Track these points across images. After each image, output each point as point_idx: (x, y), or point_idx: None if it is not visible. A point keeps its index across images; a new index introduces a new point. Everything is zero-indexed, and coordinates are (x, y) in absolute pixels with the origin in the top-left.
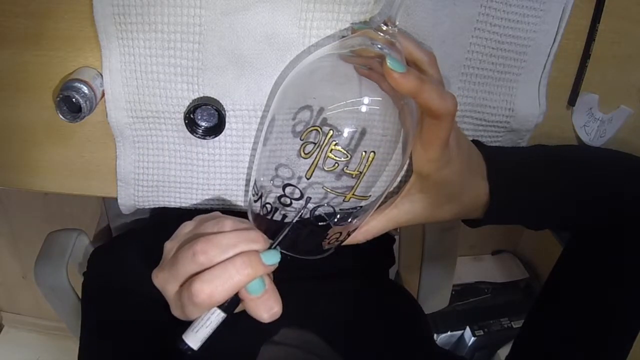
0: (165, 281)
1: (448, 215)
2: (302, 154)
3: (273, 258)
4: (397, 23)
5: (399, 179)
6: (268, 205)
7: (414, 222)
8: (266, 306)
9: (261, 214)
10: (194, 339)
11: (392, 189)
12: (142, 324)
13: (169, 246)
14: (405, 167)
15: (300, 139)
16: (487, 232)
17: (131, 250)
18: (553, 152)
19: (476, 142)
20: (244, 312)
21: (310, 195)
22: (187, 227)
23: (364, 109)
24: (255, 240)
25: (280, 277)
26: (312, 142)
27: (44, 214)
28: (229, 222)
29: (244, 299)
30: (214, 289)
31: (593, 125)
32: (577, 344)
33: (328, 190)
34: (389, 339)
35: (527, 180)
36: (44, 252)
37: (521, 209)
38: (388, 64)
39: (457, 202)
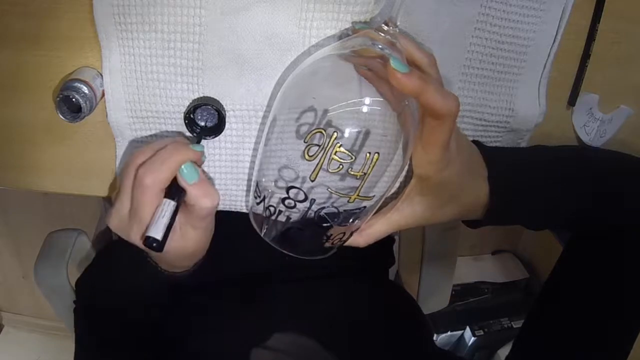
0: (118, 207)
1: (449, 216)
2: (307, 156)
3: (199, 147)
4: (398, 23)
5: (400, 178)
6: (271, 208)
7: (415, 225)
8: (204, 192)
9: (264, 215)
10: (156, 229)
11: (394, 189)
12: (136, 333)
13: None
14: (406, 168)
15: (304, 142)
16: (487, 232)
17: (116, 270)
18: (553, 152)
19: (476, 143)
20: (237, 319)
21: (314, 197)
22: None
23: (366, 109)
24: (179, 138)
25: (280, 278)
26: (316, 145)
27: (44, 214)
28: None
29: (185, 187)
30: (154, 169)
31: (593, 125)
32: (577, 344)
33: (333, 191)
34: (389, 339)
35: (527, 181)
36: (44, 252)
37: (521, 210)
38: (392, 64)
39: (458, 203)
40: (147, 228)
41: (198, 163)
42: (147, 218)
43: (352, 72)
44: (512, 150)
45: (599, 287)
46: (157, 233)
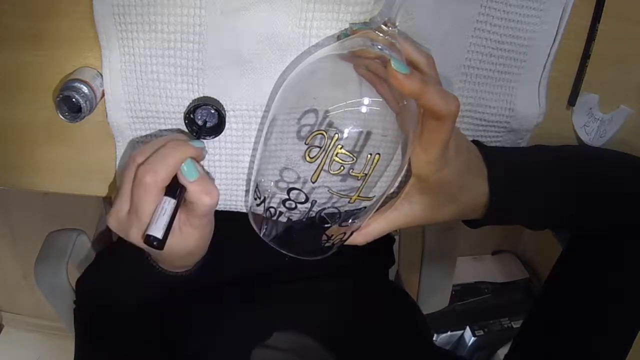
0: (118, 208)
1: (448, 216)
2: (308, 158)
3: (198, 143)
4: (397, 24)
5: (399, 178)
6: (272, 209)
7: (414, 224)
8: (204, 189)
9: (264, 216)
10: (156, 228)
11: (393, 188)
12: (135, 333)
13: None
14: (405, 167)
15: (305, 144)
16: (487, 232)
17: (116, 269)
18: (553, 152)
19: (476, 143)
20: (238, 319)
21: (315, 199)
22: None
23: (366, 109)
24: (179, 135)
25: (280, 278)
26: (317, 146)
27: (44, 214)
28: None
29: (185, 184)
30: (154, 168)
31: (593, 125)
32: (577, 344)
33: (333, 192)
34: (388, 339)
35: (527, 181)
36: (44, 252)
37: (521, 210)
38: (392, 65)
39: (457, 203)
40: (147, 227)
41: (198, 159)
42: (147, 217)
43: (352, 72)
44: (512, 150)
45: (598, 287)
46: (157, 231)
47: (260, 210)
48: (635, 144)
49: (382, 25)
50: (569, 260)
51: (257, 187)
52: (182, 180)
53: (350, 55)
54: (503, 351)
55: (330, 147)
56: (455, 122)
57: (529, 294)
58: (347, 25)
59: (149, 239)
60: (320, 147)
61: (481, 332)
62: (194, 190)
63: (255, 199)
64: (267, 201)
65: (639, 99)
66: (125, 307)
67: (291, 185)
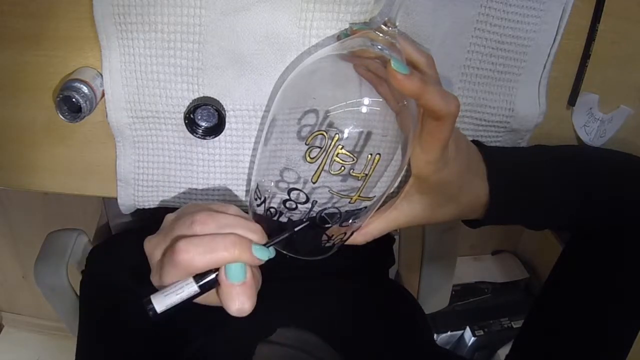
0: (156, 244)
1: (448, 216)
2: (308, 158)
3: (263, 253)
4: (397, 24)
5: (399, 178)
6: (272, 209)
7: (413, 224)
8: (239, 298)
9: (265, 216)
10: (161, 301)
11: (393, 189)
12: (138, 326)
13: (170, 217)
14: (405, 167)
15: (306, 144)
16: (487, 232)
17: (130, 250)
18: (553, 152)
19: (476, 142)
20: (238, 318)
21: (316, 199)
22: (193, 207)
23: (366, 109)
24: (254, 230)
25: (280, 277)
26: (317, 147)
27: (44, 214)
28: (234, 208)
29: (221, 282)
30: (196, 252)
31: (593, 125)
32: (577, 344)
33: (334, 193)
34: (389, 339)
35: (527, 181)
36: (44, 252)
37: (521, 210)
38: (392, 65)
39: (457, 203)
40: (159, 291)
41: (254, 264)
42: (166, 283)
43: (352, 72)
44: (512, 150)
45: (598, 287)
46: (159, 305)
47: (260, 210)
48: (635, 144)
49: (382, 25)
50: (569, 260)
51: (257, 187)
52: (222, 276)
53: (350, 55)
54: (503, 351)
55: (331, 147)
56: (455, 122)
57: (529, 294)
58: (347, 25)
59: (147, 304)
60: (321, 148)
61: (481, 332)
62: (227, 293)
63: (256, 199)
64: (267, 201)
65: (639, 99)
66: (133, 283)
67: (292, 186)
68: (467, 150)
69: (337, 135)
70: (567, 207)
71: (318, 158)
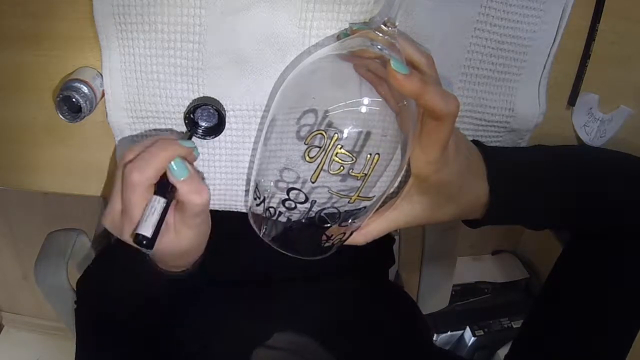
0: (111, 207)
1: (448, 216)
2: (307, 158)
3: (189, 143)
4: (397, 24)
5: (399, 178)
6: (272, 209)
7: (413, 224)
8: (194, 188)
9: (264, 216)
10: (145, 226)
11: (393, 189)
12: (137, 330)
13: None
14: (405, 167)
15: (305, 143)
16: (487, 232)
17: (120, 269)
18: (553, 152)
19: (476, 142)
20: (237, 319)
21: (315, 199)
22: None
23: (366, 109)
24: (172, 135)
25: (280, 277)
26: (316, 146)
27: (44, 214)
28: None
29: (174, 184)
30: (140, 166)
31: (593, 125)
32: (577, 344)
33: (333, 193)
34: (388, 339)
35: (527, 181)
36: (44, 252)
37: (521, 210)
38: (392, 65)
39: (457, 203)
40: (137, 226)
41: (189, 159)
42: (137, 216)
43: (352, 72)
44: (511, 149)
45: (598, 287)
46: (146, 230)
47: (260, 210)
48: (635, 144)
49: (382, 25)
50: (569, 260)
51: (256, 187)
52: (172, 179)
53: (350, 55)
54: (503, 351)
55: (330, 147)
56: (455, 122)
57: (529, 294)
58: (347, 25)
59: (137, 238)
60: (320, 147)
61: (481, 332)
62: (184, 189)
63: (255, 199)
64: (266, 201)
65: (639, 99)
66: (126, 307)
67: (291, 185)
68: (467, 150)
69: (336, 135)
70: (567, 207)
71: (317, 158)
